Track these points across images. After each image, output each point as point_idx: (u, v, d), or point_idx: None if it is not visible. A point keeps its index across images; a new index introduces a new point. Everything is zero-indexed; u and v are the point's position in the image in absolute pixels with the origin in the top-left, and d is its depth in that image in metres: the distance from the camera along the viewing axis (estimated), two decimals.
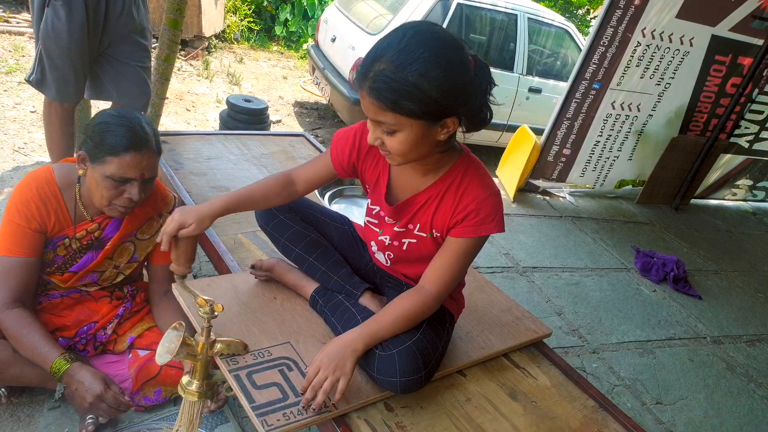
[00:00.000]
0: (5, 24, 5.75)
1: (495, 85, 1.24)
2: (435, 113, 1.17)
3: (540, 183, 4.51)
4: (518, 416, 1.45)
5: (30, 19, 5.02)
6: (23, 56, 5.18)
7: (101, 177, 1.58)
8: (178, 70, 6.00)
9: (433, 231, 1.39)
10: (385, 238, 1.48)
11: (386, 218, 1.46)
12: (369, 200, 1.51)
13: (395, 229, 1.45)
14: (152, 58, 2.81)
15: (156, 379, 1.75)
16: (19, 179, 2.88)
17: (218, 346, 1.33)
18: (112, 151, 1.55)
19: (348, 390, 1.32)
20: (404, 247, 1.45)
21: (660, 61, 4.15)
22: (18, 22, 5.85)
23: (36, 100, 4.35)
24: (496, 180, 4.57)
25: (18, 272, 1.62)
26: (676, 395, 2.66)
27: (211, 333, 1.30)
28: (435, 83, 1.12)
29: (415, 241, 1.43)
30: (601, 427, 1.49)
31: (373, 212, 1.49)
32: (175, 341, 1.22)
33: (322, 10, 6.79)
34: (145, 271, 1.97)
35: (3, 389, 1.69)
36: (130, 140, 1.57)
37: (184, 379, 1.35)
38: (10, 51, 5.23)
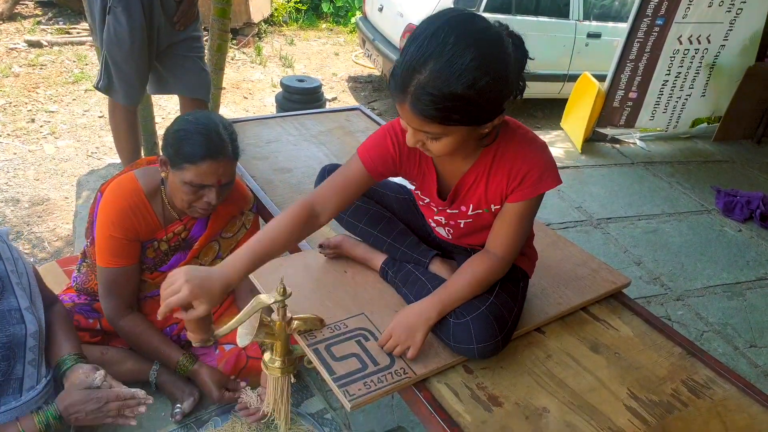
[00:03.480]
0: (67, 36, 5.99)
1: (530, 58, 1.16)
2: (483, 118, 1.12)
3: (608, 131, 4.34)
4: (601, 369, 1.42)
5: (88, 27, 5.22)
6: (86, 65, 5.41)
7: (180, 182, 1.61)
8: (232, 59, 6.10)
9: (491, 206, 1.34)
10: (441, 218, 1.45)
11: (437, 208, 1.43)
12: (417, 189, 1.46)
13: (448, 211, 1.41)
14: (205, 50, 2.86)
15: (244, 370, 1.80)
16: (94, 182, 3.02)
17: (295, 323, 1.35)
18: (189, 160, 1.58)
19: (426, 355, 1.33)
20: (461, 225, 1.42)
21: None
22: (78, 32, 6.09)
23: (103, 105, 4.54)
24: (561, 133, 4.47)
25: (124, 281, 1.71)
26: None
27: (287, 311, 1.33)
28: (484, 91, 1.04)
29: (470, 220, 1.40)
30: (690, 373, 1.43)
31: (424, 201, 1.46)
32: (253, 322, 1.25)
33: None
34: None
35: None
36: (207, 148, 1.58)
37: (266, 356, 1.39)
38: (74, 61, 5.46)
